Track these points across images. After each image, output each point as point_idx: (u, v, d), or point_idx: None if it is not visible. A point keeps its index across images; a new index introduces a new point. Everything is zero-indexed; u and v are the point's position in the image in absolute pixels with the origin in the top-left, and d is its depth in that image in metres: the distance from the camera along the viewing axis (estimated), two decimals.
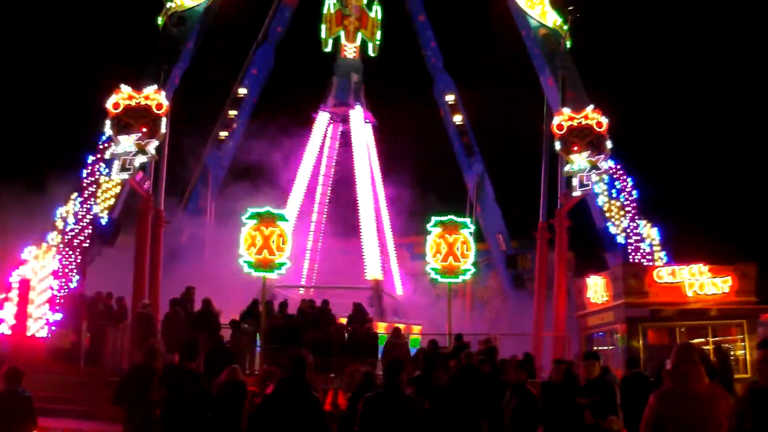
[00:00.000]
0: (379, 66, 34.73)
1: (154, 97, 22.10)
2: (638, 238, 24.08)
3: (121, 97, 21.98)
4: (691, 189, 38.69)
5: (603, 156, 23.37)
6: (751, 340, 19.89)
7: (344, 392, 12.34)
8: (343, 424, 9.92)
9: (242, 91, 35.40)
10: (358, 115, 33.58)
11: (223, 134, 34.90)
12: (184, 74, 26.66)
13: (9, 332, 18.87)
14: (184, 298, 19.43)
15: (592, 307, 23.56)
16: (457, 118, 36.58)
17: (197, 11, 26.92)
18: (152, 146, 21.85)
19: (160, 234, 23.96)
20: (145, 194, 23.00)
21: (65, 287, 21.10)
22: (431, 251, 20.61)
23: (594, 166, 23.21)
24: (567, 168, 23.75)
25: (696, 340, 20.31)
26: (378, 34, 33.37)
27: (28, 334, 19.01)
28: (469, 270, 20.74)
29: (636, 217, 24.34)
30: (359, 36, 33.25)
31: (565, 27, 28.14)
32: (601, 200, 24.86)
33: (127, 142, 21.60)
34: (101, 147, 22.81)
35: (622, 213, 24.47)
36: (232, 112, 35.17)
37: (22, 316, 18.84)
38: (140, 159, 21.74)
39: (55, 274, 20.82)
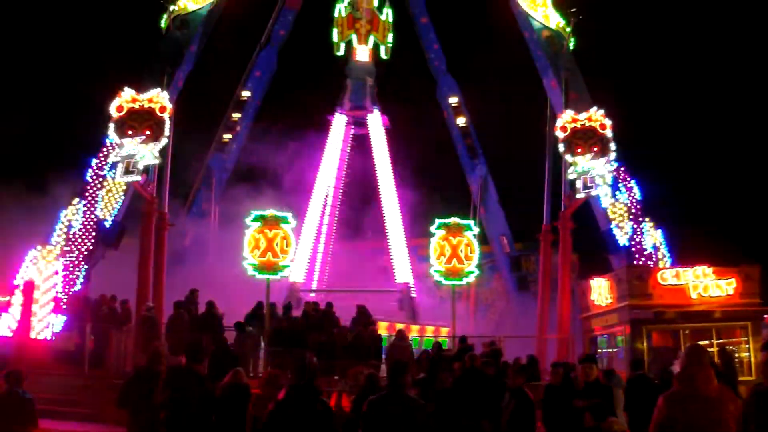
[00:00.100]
0: (382, 69, 34.88)
1: (158, 100, 22.14)
2: (642, 240, 24.04)
3: (125, 100, 22.02)
4: (695, 191, 38.62)
5: (607, 158, 23.35)
6: (756, 342, 19.83)
7: (348, 395, 12.32)
8: (347, 427, 9.90)
9: (245, 94, 35.48)
10: (376, 119, 33.88)
11: (227, 137, 34.98)
12: (188, 77, 26.70)
13: (13, 334, 18.92)
14: (187, 301, 19.44)
15: (596, 309, 23.52)
16: (461, 121, 36.62)
17: (200, 14, 27.00)
18: (156, 149, 21.90)
19: (164, 237, 23.96)
20: (149, 197, 23.02)
21: (69, 290, 21.14)
22: (435, 253, 20.63)
23: (597, 168, 23.19)
24: (570, 170, 23.72)
25: (700, 343, 20.25)
26: (390, 37, 33.61)
27: (33, 336, 19.05)
28: (473, 272, 20.76)
29: (640, 219, 24.30)
30: (371, 39, 33.44)
31: (568, 29, 28.14)
32: (605, 202, 24.83)
33: (130, 145, 21.63)
34: (105, 150, 22.85)
35: (626, 215, 24.44)
36: (236, 115, 35.26)
37: (26, 318, 18.88)
38: (144, 162, 21.78)
39: (59, 276, 20.88)
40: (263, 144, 33.44)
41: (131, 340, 19.05)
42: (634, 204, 24.47)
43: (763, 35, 42.17)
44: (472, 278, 21.16)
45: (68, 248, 21.83)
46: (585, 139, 23.39)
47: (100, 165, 22.86)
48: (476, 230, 21.39)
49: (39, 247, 21.48)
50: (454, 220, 21.04)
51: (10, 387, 9.23)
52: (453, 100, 36.80)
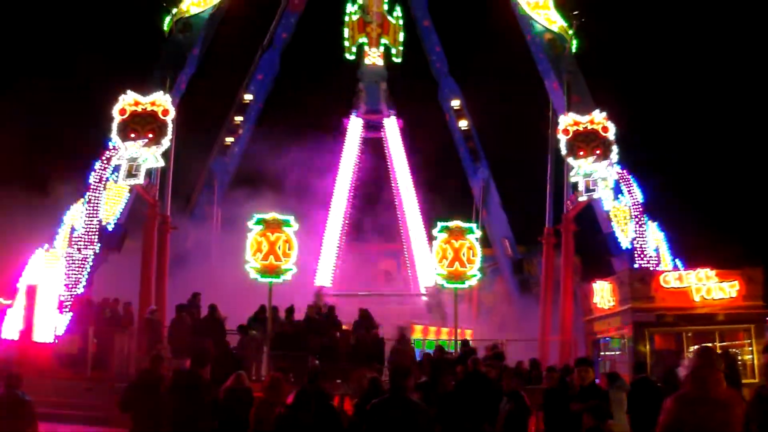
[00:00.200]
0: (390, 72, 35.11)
1: (161, 102, 22.17)
2: (644, 242, 24.02)
3: (128, 103, 22.05)
4: (697, 193, 38.57)
5: (609, 161, 23.34)
6: (759, 345, 19.77)
7: (351, 398, 12.34)
8: (350, 430, 9.91)
9: (248, 96, 35.54)
10: (392, 123, 34.12)
11: (229, 140, 35.03)
12: (190, 80, 26.74)
13: (16, 337, 18.94)
14: (190, 304, 19.44)
15: (598, 312, 23.48)
16: (463, 123, 36.65)
17: (203, 17, 27.02)
18: (158, 152, 21.93)
19: (167, 240, 24.01)
20: (151, 200, 23.05)
21: (72, 293, 21.16)
22: (437, 257, 20.65)
23: (600, 171, 23.19)
24: (573, 173, 23.72)
25: (702, 345, 20.19)
26: (401, 39, 33.83)
27: (35, 339, 19.07)
28: (475, 275, 20.76)
29: (642, 222, 24.28)
30: (382, 42, 33.71)
31: (570, 31, 28.14)
32: (607, 205, 24.82)
33: (133, 148, 21.66)
34: (108, 153, 22.88)
35: (628, 217, 24.42)
36: (238, 118, 35.31)
37: (29, 321, 18.91)
38: (146, 165, 21.81)
39: (61, 279, 20.91)
40: (265, 147, 33.49)
41: (134, 343, 19.08)
42: (637, 206, 24.45)
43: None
44: (474, 281, 21.16)
45: (71, 251, 21.84)
46: (587, 141, 23.39)
47: (102, 168, 22.88)
48: (478, 233, 21.39)
49: (42, 250, 21.51)
50: (456, 223, 21.06)
51: (8, 389, 9.29)
52: (455, 103, 36.83)
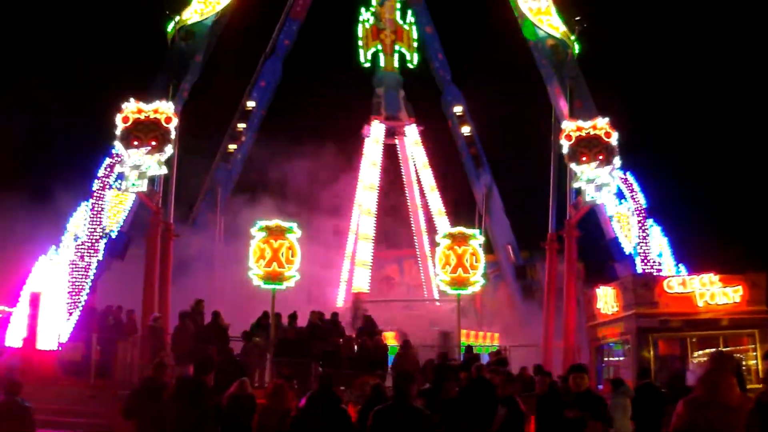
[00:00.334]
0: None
1: (164, 110, 22.19)
2: (648, 248, 23.99)
3: (131, 110, 22.07)
4: (700, 198, 38.55)
5: (612, 166, 23.33)
6: (763, 350, 19.74)
7: (354, 405, 12.32)
8: None
9: (250, 104, 35.61)
10: (413, 131, 34.40)
11: (232, 147, 35.09)
12: (193, 87, 26.79)
13: (20, 345, 18.95)
14: (193, 311, 19.44)
15: (602, 317, 23.45)
16: (465, 130, 36.69)
17: (206, 25, 27.06)
18: (161, 159, 21.95)
19: (170, 247, 24.02)
20: (154, 208, 23.06)
21: (75, 300, 21.18)
22: (440, 263, 20.63)
23: (603, 176, 23.18)
24: (576, 178, 23.70)
25: (707, 351, 20.18)
26: (415, 46, 34.15)
27: (39, 347, 19.07)
28: (478, 281, 20.73)
29: (645, 227, 24.25)
30: (397, 48, 34.07)
31: (573, 37, 28.16)
32: (610, 210, 24.80)
33: (136, 156, 21.69)
34: (111, 160, 22.92)
35: (631, 222, 24.40)
36: (241, 125, 35.37)
37: (32, 329, 18.91)
38: (150, 172, 21.84)
39: (65, 287, 20.92)
40: (268, 153, 33.53)
41: (137, 351, 19.07)
42: (640, 212, 24.44)
43: None
44: (477, 287, 21.14)
45: (74, 259, 21.87)
46: (590, 147, 23.35)
47: (106, 175, 22.92)
48: (481, 239, 21.37)
49: (45, 258, 21.52)
50: (459, 229, 21.08)
51: (8, 396, 9.33)
52: (458, 109, 36.91)
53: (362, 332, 19.93)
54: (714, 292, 21.06)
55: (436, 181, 35.25)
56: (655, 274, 23.10)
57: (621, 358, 22.56)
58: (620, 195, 24.63)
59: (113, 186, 22.83)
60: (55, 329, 19.73)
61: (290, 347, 18.11)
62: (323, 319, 20.13)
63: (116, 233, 23.09)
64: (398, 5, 35.01)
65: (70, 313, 20.77)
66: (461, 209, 35.61)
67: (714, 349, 19.21)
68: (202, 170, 34.07)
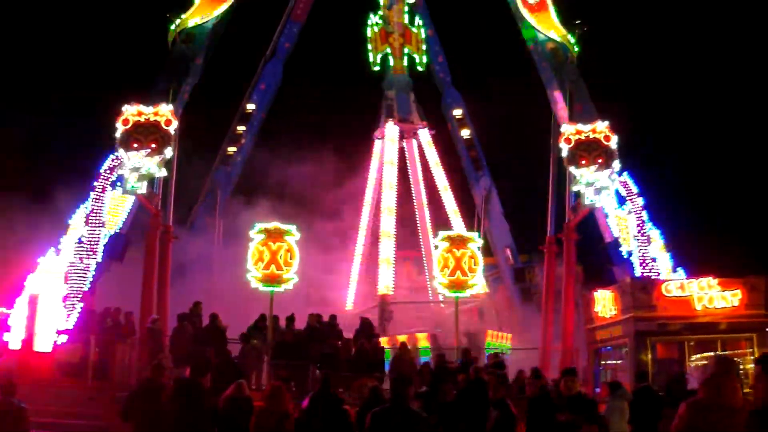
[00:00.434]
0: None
1: (164, 113, 22.22)
2: (646, 251, 23.99)
3: (131, 113, 22.10)
4: (700, 201, 38.59)
5: (611, 169, 23.35)
6: (761, 354, 19.72)
7: (351, 407, 12.32)
8: None
9: (250, 106, 35.64)
10: (425, 134, 34.47)
11: (232, 150, 35.12)
12: (193, 90, 26.83)
13: (18, 346, 18.93)
14: (191, 313, 19.46)
15: (600, 320, 23.44)
16: (465, 133, 36.74)
17: (206, 27, 27.09)
18: (161, 162, 21.97)
19: (169, 249, 24.02)
20: (153, 210, 23.08)
21: (74, 302, 21.17)
22: (439, 266, 20.64)
23: (602, 180, 23.20)
24: (575, 181, 23.72)
25: (705, 354, 20.19)
26: (423, 48, 34.26)
27: (37, 348, 19.06)
28: (476, 284, 20.73)
29: (644, 230, 24.26)
30: (405, 51, 34.20)
31: (573, 40, 28.20)
32: (609, 213, 24.81)
33: (136, 158, 21.71)
34: (111, 162, 22.94)
35: (630, 226, 24.40)
36: (241, 128, 35.40)
37: (30, 330, 18.90)
38: (149, 175, 21.86)
39: (63, 289, 20.90)
40: (267, 156, 33.59)
41: (135, 353, 19.07)
42: (639, 215, 24.44)
43: None
44: (476, 290, 21.14)
45: (74, 260, 21.88)
46: (589, 150, 23.38)
47: (105, 178, 22.94)
48: (480, 242, 21.39)
49: (44, 259, 21.52)
50: (457, 231, 21.10)
51: (4, 397, 9.39)
52: (457, 112, 36.98)
53: (360, 335, 19.94)
54: (712, 296, 21.06)
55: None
56: (653, 277, 23.09)
57: (619, 362, 22.56)
58: (619, 198, 24.65)
59: (113, 188, 22.84)
60: (54, 331, 19.72)
61: (288, 349, 18.12)
62: (321, 322, 20.15)
63: (116, 235, 23.09)
64: (406, 8, 35.08)
65: (69, 315, 20.76)
66: (460, 212, 35.63)
67: (714, 353, 19.22)
68: (202, 173, 34.15)
